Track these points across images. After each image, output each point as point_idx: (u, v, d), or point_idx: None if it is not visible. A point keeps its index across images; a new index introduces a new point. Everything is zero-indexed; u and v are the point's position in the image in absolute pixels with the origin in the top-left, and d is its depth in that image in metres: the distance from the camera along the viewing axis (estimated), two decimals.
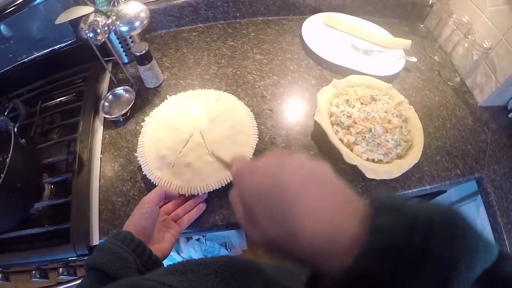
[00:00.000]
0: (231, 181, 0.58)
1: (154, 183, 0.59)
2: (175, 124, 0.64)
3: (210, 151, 0.60)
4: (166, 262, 0.69)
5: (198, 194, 0.58)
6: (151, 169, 0.60)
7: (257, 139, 0.64)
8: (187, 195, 0.58)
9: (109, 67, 0.76)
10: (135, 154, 0.63)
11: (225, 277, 0.28)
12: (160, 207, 0.53)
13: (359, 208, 0.22)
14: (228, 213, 0.59)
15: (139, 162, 0.62)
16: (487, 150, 0.71)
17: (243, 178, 0.27)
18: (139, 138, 0.64)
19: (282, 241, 0.22)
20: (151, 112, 0.67)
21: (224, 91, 0.72)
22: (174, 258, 0.66)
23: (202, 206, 0.58)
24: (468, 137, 0.72)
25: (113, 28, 0.67)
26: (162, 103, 0.68)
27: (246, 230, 0.26)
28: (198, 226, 0.59)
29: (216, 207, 0.60)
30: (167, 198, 0.54)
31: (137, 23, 0.66)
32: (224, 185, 0.58)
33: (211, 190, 0.58)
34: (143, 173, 0.61)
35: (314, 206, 0.22)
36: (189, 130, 0.62)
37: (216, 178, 0.58)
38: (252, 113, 0.68)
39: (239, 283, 0.28)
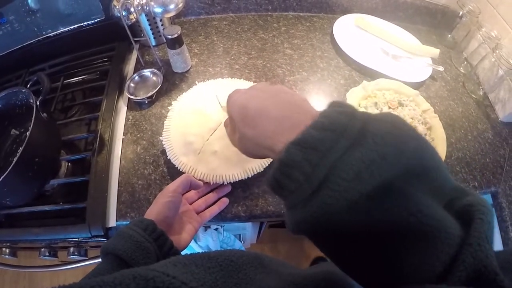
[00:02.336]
0: (257, 173, 0.58)
1: (178, 168, 0.58)
2: (204, 111, 0.63)
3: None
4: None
5: (223, 182, 0.57)
6: (176, 154, 0.59)
7: None
8: (211, 183, 0.57)
9: (137, 47, 0.75)
10: (160, 138, 0.63)
11: (228, 270, 0.28)
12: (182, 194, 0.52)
13: (313, 111, 0.27)
14: (252, 204, 0.59)
15: (164, 146, 0.61)
16: (504, 166, 0.71)
17: (230, 98, 0.34)
18: (165, 122, 0.63)
19: (253, 139, 0.29)
20: (178, 97, 0.66)
21: (254, 83, 0.71)
22: (191, 246, 0.66)
23: (225, 201, 0.57)
24: (487, 150, 0.72)
25: (147, 8, 0.66)
26: (190, 88, 0.67)
27: (231, 141, 0.35)
28: (220, 216, 0.58)
29: (240, 198, 0.59)
30: (191, 187, 0.52)
31: (172, 6, 0.65)
32: (250, 176, 0.57)
33: (237, 180, 0.57)
34: (167, 157, 0.60)
35: (272, 112, 0.28)
36: (218, 118, 0.62)
37: (242, 169, 0.57)
38: None
39: (242, 276, 0.29)
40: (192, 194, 0.56)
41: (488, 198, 0.71)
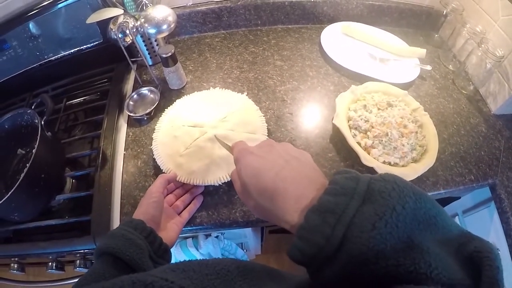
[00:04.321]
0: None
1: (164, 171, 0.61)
2: (187, 121, 0.67)
3: (216, 137, 0.62)
4: (183, 258, 0.70)
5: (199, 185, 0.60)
6: (163, 162, 0.63)
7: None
8: (193, 183, 0.60)
9: (134, 68, 0.79)
10: (150, 147, 0.66)
11: (225, 279, 0.29)
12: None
13: (324, 181, 0.29)
14: (249, 210, 0.61)
15: (154, 155, 0.64)
16: (500, 157, 0.71)
17: (242, 158, 0.33)
18: (153, 135, 0.68)
19: (266, 208, 0.30)
20: (165, 109, 0.71)
21: (245, 94, 0.75)
22: (193, 254, 0.67)
23: (200, 198, 0.61)
24: (481, 144, 0.72)
25: (141, 30, 0.70)
26: (176, 101, 0.73)
27: (243, 200, 0.34)
28: (219, 222, 0.60)
29: (237, 204, 0.61)
30: (169, 182, 0.57)
31: (164, 26, 0.69)
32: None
33: (220, 183, 0.60)
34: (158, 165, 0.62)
35: (288, 189, 0.29)
36: (201, 128, 0.66)
37: (225, 173, 0.60)
38: (262, 115, 0.70)
39: (239, 285, 0.29)
40: (170, 197, 0.59)
41: (486, 191, 0.71)
